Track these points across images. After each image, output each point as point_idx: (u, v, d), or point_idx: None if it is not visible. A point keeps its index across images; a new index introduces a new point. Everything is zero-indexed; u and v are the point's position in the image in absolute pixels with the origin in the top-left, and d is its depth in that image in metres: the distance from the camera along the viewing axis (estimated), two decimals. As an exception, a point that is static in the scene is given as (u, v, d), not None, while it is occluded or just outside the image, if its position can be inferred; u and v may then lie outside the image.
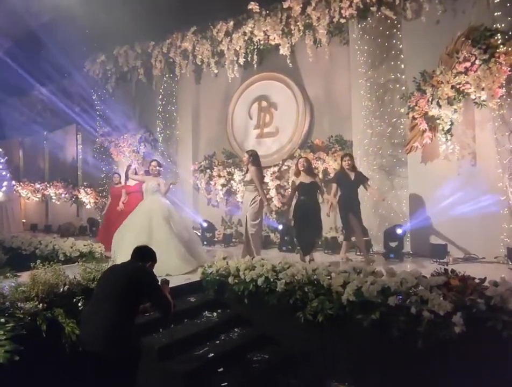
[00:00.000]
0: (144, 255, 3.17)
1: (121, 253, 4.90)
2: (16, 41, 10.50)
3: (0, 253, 6.10)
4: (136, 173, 7.33)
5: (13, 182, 13.18)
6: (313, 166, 6.53)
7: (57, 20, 9.20)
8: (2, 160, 12.94)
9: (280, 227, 7.60)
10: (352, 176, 5.84)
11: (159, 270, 5.09)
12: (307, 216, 5.74)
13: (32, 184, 13.19)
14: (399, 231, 6.11)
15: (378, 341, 3.62)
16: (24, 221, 13.49)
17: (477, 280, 3.49)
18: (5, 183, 12.65)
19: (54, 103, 12.92)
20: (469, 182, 5.75)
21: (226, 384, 3.49)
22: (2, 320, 3.05)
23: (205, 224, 8.49)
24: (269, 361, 3.96)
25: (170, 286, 4.46)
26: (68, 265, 4.98)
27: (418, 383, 3.46)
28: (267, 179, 7.99)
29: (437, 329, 3.25)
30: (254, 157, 5.86)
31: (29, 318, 3.20)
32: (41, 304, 3.30)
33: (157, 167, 6.07)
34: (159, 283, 3.09)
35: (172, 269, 5.11)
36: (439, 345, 3.26)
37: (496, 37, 5.37)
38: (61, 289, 3.52)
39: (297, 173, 5.96)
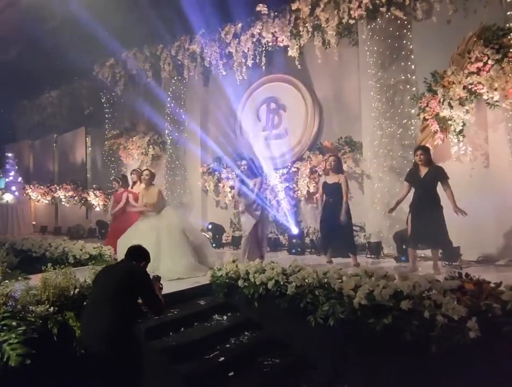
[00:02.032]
0: (138, 255, 3.20)
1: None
2: (26, 44, 10.60)
3: (11, 256, 6.12)
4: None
5: (23, 184, 13.35)
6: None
7: (67, 24, 9.29)
8: (12, 163, 13.09)
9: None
10: (424, 172, 5.06)
11: (168, 275, 5.15)
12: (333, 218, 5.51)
13: (42, 187, 13.30)
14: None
15: (391, 346, 3.55)
16: (34, 223, 13.61)
17: (492, 285, 3.42)
18: (15, 186, 12.80)
19: (64, 106, 13.07)
20: (482, 184, 5.67)
21: (236, 388, 3.46)
22: (14, 323, 3.05)
23: (209, 227, 8.49)
24: (279, 365, 3.92)
25: (180, 289, 4.50)
26: (78, 268, 4.99)
27: (432, 389, 3.41)
28: (276, 182, 7.97)
29: (451, 334, 3.18)
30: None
31: (41, 321, 3.19)
32: (52, 307, 3.30)
33: (148, 177, 5.86)
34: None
35: (180, 274, 5.22)
36: (453, 350, 3.19)
37: (509, 37, 5.31)
38: (72, 293, 3.52)
39: (326, 172, 5.87)
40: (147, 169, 6.23)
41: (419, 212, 5.05)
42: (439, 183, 5.03)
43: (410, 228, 5.19)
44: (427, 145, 5.94)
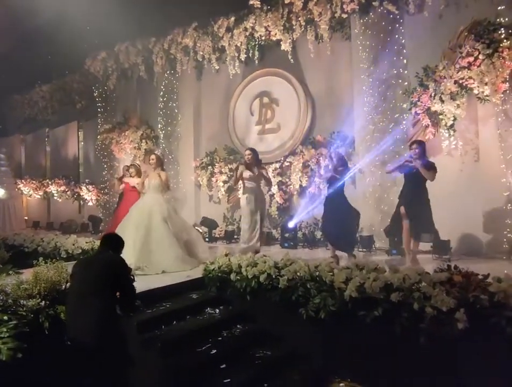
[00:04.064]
0: (114, 243, 3.23)
1: (128, 248, 4.95)
2: (18, 37, 10.48)
3: (3, 251, 6.10)
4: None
5: (15, 179, 13.23)
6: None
7: (59, 17, 9.18)
8: (3, 157, 12.97)
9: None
10: (417, 165, 5.07)
11: (154, 267, 5.15)
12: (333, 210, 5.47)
13: (34, 181, 13.20)
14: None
15: (381, 338, 3.61)
16: (26, 218, 13.52)
17: (480, 276, 3.47)
18: (7, 180, 12.69)
19: (55, 100, 12.96)
20: (472, 178, 5.73)
21: (229, 380, 3.48)
22: (5, 317, 3.05)
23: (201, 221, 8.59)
24: (271, 357, 3.95)
25: (172, 283, 4.52)
26: (70, 262, 4.97)
27: (421, 379, 3.45)
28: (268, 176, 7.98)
29: (440, 326, 3.23)
30: (257, 155, 5.94)
31: (32, 315, 3.19)
32: (43, 301, 3.30)
33: (155, 161, 6.02)
34: None
35: (166, 267, 5.25)
36: (442, 342, 3.25)
37: (499, 32, 5.33)
38: (63, 287, 3.52)
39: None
40: (154, 154, 6.41)
41: (410, 205, 5.09)
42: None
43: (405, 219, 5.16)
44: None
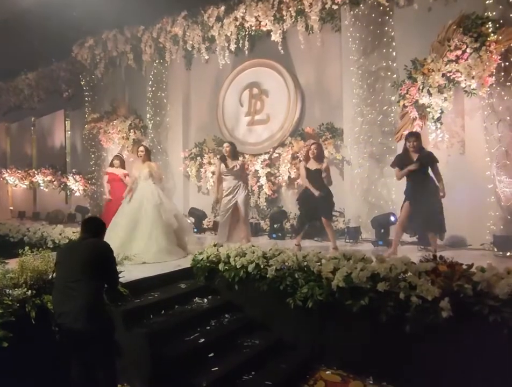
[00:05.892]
0: (98, 228, 3.19)
1: (114, 238, 4.94)
2: (1, 22, 10.21)
3: (-13, 241, 6.04)
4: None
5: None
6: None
7: (45, 2, 8.97)
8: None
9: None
10: (415, 157, 5.09)
11: (137, 257, 5.12)
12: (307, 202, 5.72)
13: (19, 171, 12.99)
14: (392, 218, 6.13)
15: (367, 326, 3.67)
16: (11, 208, 13.33)
17: (464, 266, 3.54)
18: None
19: (41, 88, 12.71)
20: (458, 170, 5.80)
21: (217, 368, 3.52)
22: (-9, 306, 3.03)
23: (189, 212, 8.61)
24: (259, 346, 4.00)
25: (161, 273, 4.53)
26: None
27: (406, 367, 3.53)
28: (257, 167, 7.99)
29: (425, 314, 3.31)
30: (236, 150, 6.15)
31: (18, 305, 3.17)
32: (29, 291, 3.28)
33: (143, 152, 6.06)
34: None
35: (147, 259, 5.19)
36: (427, 330, 3.32)
37: (487, 26, 5.37)
38: (50, 276, 3.49)
39: (306, 159, 5.81)
40: (142, 145, 6.50)
41: (416, 197, 5.08)
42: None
43: (406, 213, 5.18)
44: (406, 132, 6.03)
